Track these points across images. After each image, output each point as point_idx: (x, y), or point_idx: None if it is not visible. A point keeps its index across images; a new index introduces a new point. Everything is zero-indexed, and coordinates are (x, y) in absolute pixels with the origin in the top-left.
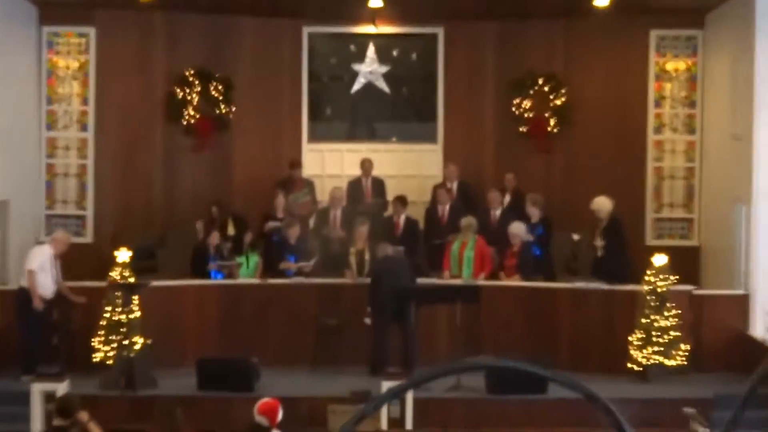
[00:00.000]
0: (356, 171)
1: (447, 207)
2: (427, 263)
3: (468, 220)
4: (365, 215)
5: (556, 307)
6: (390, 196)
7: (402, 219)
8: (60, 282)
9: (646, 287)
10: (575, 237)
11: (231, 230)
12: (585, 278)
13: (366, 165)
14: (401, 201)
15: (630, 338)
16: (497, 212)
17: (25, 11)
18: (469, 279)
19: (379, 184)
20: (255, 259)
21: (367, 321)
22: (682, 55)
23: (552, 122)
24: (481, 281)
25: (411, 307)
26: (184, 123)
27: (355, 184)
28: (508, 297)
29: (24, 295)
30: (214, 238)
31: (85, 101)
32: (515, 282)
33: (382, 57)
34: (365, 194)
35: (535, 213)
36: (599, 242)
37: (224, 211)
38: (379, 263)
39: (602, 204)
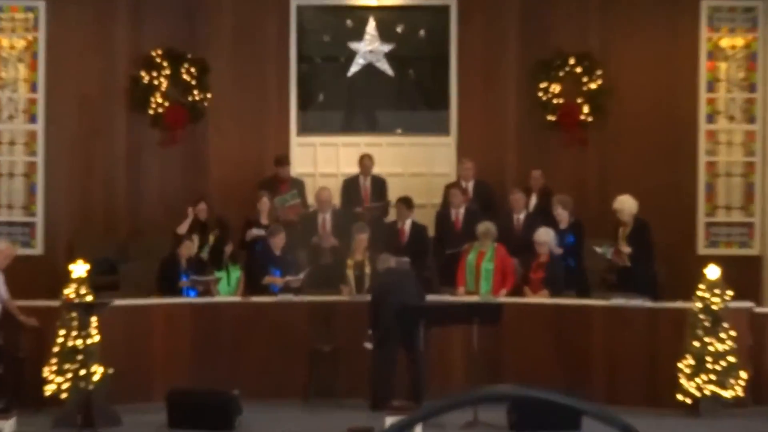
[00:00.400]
0: (354, 168)
1: (461, 210)
2: (437, 277)
3: (485, 226)
4: (363, 221)
5: (590, 328)
6: (393, 197)
7: (407, 225)
8: (7, 301)
9: (697, 305)
10: (599, 250)
11: (211, 238)
12: (624, 294)
13: (365, 162)
14: (406, 203)
15: (679, 365)
16: (521, 216)
17: None
18: (487, 296)
19: (379, 184)
20: (237, 273)
21: (368, 346)
22: (740, 30)
23: (585, 110)
24: (502, 298)
25: (419, 329)
26: (151, 113)
27: (350, 184)
28: (534, 316)
29: None
30: (187, 248)
31: (33, 87)
32: (542, 299)
33: (385, 34)
34: (363, 196)
35: (563, 217)
36: (625, 249)
37: (212, 213)
38: (380, 277)
39: (626, 203)
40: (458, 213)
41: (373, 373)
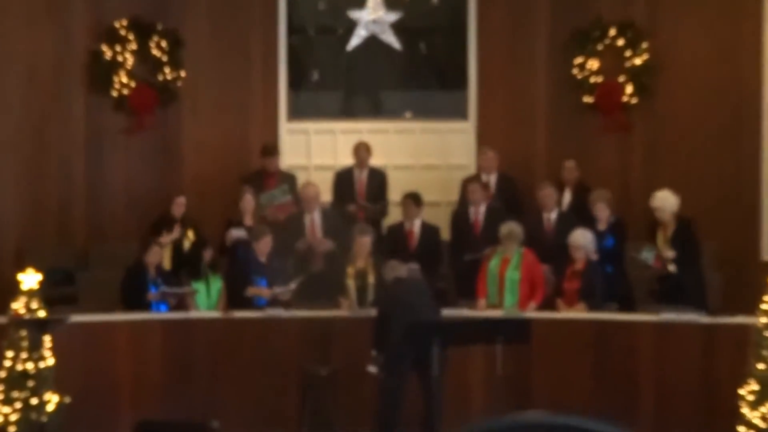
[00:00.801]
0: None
1: (482, 209)
2: (454, 288)
3: (509, 228)
4: (356, 221)
5: (636, 347)
6: (400, 193)
7: (417, 226)
8: None
9: (762, 320)
10: (642, 255)
11: (186, 243)
12: (670, 306)
13: (360, 151)
14: (414, 200)
15: (740, 391)
16: (552, 216)
17: None
18: (512, 309)
19: (377, 179)
20: (218, 284)
21: (372, 370)
22: None
23: (628, 90)
24: (531, 313)
25: (433, 349)
26: (115, 94)
27: (343, 178)
28: (570, 334)
29: None
30: (155, 254)
31: None
32: (578, 313)
33: (391, 0)
34: (357, 192)
35: (603, 216)
36: (669, 253)
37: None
38: (389, 289)
39: (667, 201)
40: (478, 212)
41: (379, 402)
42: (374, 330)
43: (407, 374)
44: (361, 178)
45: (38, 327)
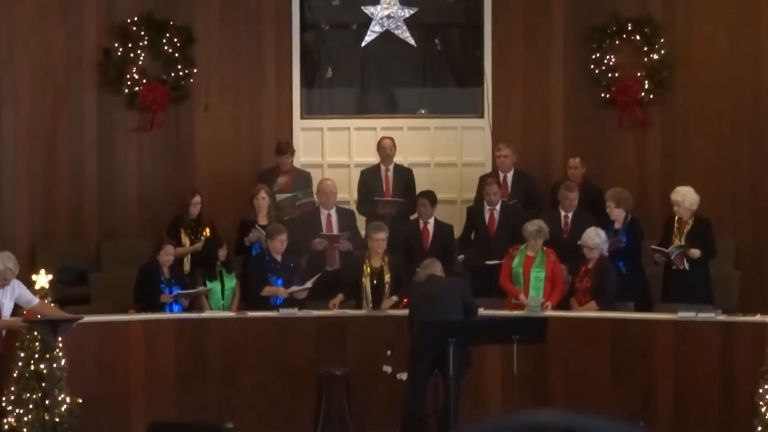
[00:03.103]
0: (369, 157)
1: (497, 207)
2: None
3: (537, 225)
4: (383, 215)
5: (652, 346)
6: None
7: (431, 224)
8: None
9: None
10: (670, 248)
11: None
12: (693, 306)
13: (385, 147)
14: (429, 198)
15: (759, 390)
16: (570, 215)
17: None
18: (536, 306)
19: (404, 176)
20: (232, 283)
21: (387, 369)
22: None
23: (646, 85)
24: (547, 311)
25: (449, 348)
26: (126, 91)
27: (370, 176)
28: (586, 333)
29: None
30: (168, 253)
31: None
32: (595, 312)
33: None
34: (384, 189)
35: (619, 215)
36: (695, 252)
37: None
38: (419, 286)
39: (687, 196)
40: (494, 210)
41: (403, 401)
42: (408, 327)
43: (427, 373)
44: (387, 176)
45: (51, 328)
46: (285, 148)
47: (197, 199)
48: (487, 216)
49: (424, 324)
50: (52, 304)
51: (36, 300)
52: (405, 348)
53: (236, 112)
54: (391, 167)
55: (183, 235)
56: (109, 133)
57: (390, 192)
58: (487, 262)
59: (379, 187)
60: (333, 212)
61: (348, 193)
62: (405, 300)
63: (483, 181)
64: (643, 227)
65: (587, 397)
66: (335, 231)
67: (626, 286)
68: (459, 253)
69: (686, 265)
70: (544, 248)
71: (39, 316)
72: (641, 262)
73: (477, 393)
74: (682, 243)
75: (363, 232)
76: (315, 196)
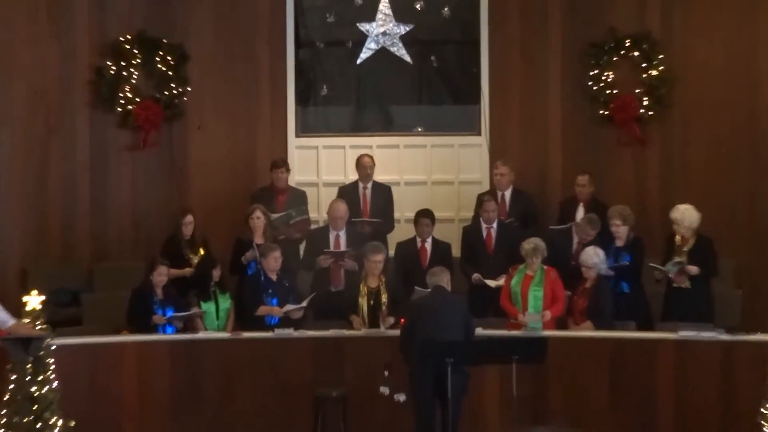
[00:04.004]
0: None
1: (494, 226)
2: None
3: (533, 243)
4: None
5: (653, 365)
6: (411, 209)
7: (428, 243)
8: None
9: None
10: (667, 267)
11: (194, 260)
12: (695, 324)
13: (365, 165)
14: (431, 217)
15: (762, 410)
16: (576, 242)
17: None
18: (536, 324)
19: (383, 194)
20: (227, 304)
21: (385, 391)
22: None
23: (645, 102)
24: (547, 331)
25: (447, 369)
26: (119, 110)
27: (347, 194)
28: (586, 352)
29: None
30: (161, 274)
31: None
32: (595, 332)
33: (402, 12)
34: (362, 208)
35: (621, 233)
36: (693, 269)
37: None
38: (423, 298)
39: (687, 215)
40: (491, 229)
41: (414, 427)
42: (401, 340)
43: (431, 393)
44: (365, 194)
45: (19, 345)
46: (280, 162)
47: (189, 218)
48: (484, 234)
49: (425, 342)
50: (40, 326)
51: (11, 321)
52: (403, 369)
53: (230, 130)
54: (369, 185)
55: (176, 256)
56: (101, 153)
57: (367, 210)
58: (492, 284)
59: (356, 205)
60: (342, 233)
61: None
62: (402, 320)
63: (480, 198)
64: (644, 246)
65: (587, 417)
66: (343, 249)
67: (630, 306)
68: (460, 272)
69: (688, 283)
70: (544, 267)
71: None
72: (642, 281)
73: (475, 414)
74: (681, 260)
75: None
76: (306, 214)
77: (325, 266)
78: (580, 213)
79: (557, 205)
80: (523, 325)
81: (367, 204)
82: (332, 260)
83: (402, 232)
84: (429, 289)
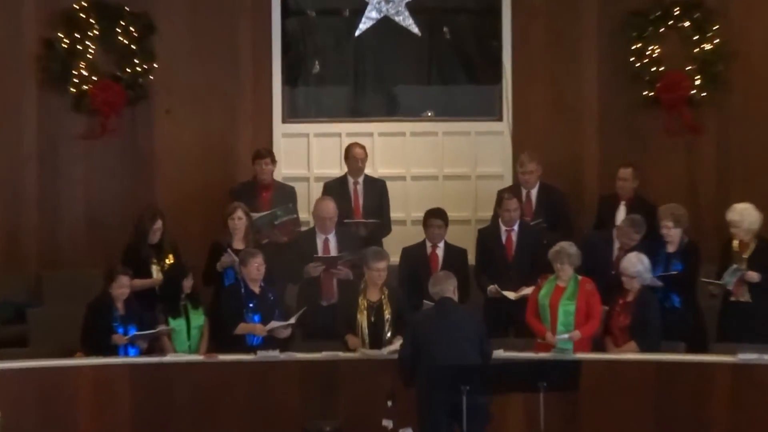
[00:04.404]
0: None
1: (515, 229)
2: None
3: (561, 247)
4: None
5: (706, 394)
6: (419, 208)
7: (440, 248)
8: None
9: None
10: (725, 279)
11: (156, 271)
12: (756, 346)
13: (356, 157)
14: (443, 218)
15: None
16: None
17: None
18: (566, 346)
19: (376, 189)
20: (200, 320)
21: (388, 424)
22: None
23: (697, 81)
24: (580, 354)
25: (462, 398)
26: (73, 91)
27: (335, 190)
28: (627, 378)
29: None
30: (122, 285)
31: None
32: (636, 355)
33: None
34: (353, 207)
35: (673, 236)
36: (754, 276)
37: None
38: (428, 311)
39: (746, 215)
40: (511, 232)
41: None
42: (400, 362)
43: (444, 428)
44: (357, 189)
45: None
46: (264, 153)
47: (159, 224)
48: (504, 238)
49: (438, 369)
50: None
51: None
52: (409, 398)
53: (205, 115)
54: (360, 179)
55: (140, 264)
56: (51, 141)
57: (359, 209)
58: (508, 294)
59: (346, 204)
60: (331, 236)
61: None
62: None
63: (500, 195)
64: (700, 253)
65: None
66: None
67: (680, 323)
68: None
69: (748, 296)
70: (579, 277)
71: None
72: (697, 294)
73: None
74: (740, 267)
75: None
76: (294, 214)
77: (314, 275)
78: (621, 213)
79: (594, 204)
80: (552, 346)
81: (359, 202)
82: (323, 268)
83: (409, 235)
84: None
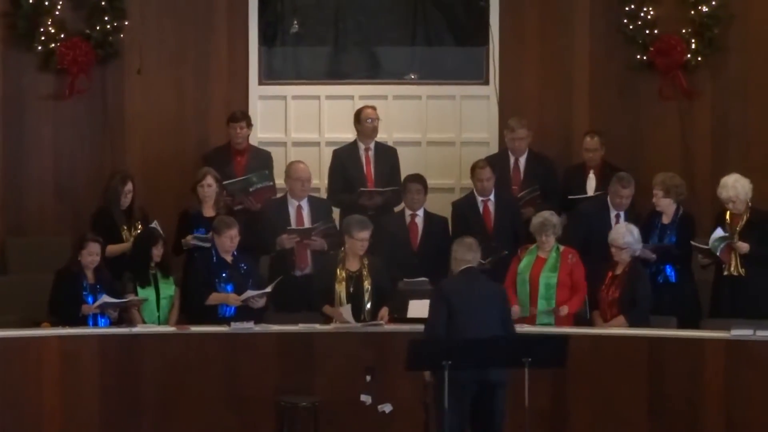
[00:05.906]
0: (344, 133)
1: (491, 198)
2: None
3: (543, 217)
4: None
5: (699, 371)
6: (401, 175)
7: (420, 217)
8: None
9: None
10: (713, 242)
11: (127, 238)
12: (750, 321)
13: (367, 119)
14: (422, 183)
15: None
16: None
17: None
18: (547, 315)
19: (388, 157)
20: (170, 290)
21: (366, 399)
22: None
23: (694, 45)
24: (567, 328)
25: (445, 374)
26: (39, 49)
27: (345, 157)
28: (615, 355)
29: None
30: (92, 253)
31: None
32: (619, 329)
33: None
34: (365, 174)
35: (668, 206)
36: (743, 246)
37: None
38: (453, 282)
39: (740, 188)
40: (488, 202)
41: None
42: (431, 336)
43: (464, 405)
44: (368, 156)
45: None
46: (240, 116)
47: (129, 187)
48: (481, 208)
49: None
50: None
51: None
52: (388, 373)
53: (178, 76)
54: (371, 146)
55: (110, 231)
56: (16, 102)
57: (372, 177)
58: (483, 261)
59: (357, 172)
60: (304, 203)
61: (318, 178)
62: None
63: (474, 165)
64: (695, 224)
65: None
66: (308, 224)
67: (675, 297)
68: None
69: (741, 270)
70: (560, 247)
71: None
72: (691, 267)
73: None
74: (727, 234)
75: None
76: (269, 181)
77: (288, 247)
78: (592, 182)
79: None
80: (524, 320)
81: (371, 169)
82: (297, 240)
83: None
84: (457, 272)
